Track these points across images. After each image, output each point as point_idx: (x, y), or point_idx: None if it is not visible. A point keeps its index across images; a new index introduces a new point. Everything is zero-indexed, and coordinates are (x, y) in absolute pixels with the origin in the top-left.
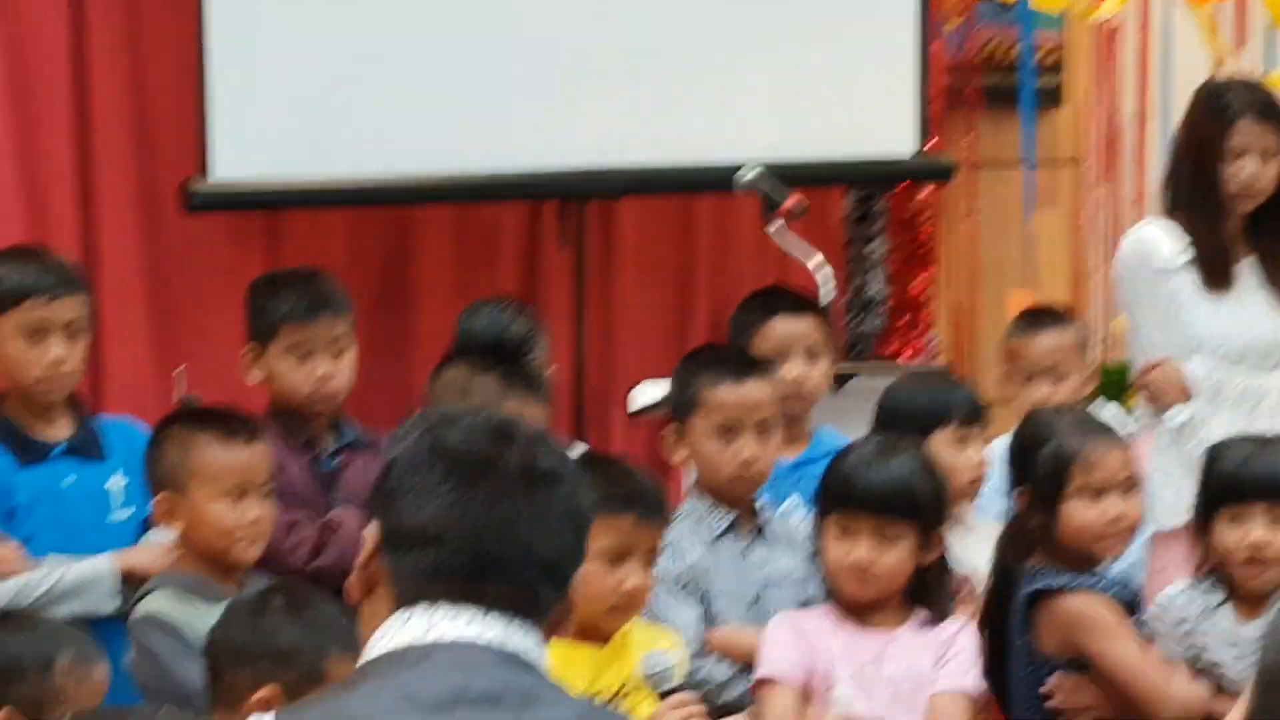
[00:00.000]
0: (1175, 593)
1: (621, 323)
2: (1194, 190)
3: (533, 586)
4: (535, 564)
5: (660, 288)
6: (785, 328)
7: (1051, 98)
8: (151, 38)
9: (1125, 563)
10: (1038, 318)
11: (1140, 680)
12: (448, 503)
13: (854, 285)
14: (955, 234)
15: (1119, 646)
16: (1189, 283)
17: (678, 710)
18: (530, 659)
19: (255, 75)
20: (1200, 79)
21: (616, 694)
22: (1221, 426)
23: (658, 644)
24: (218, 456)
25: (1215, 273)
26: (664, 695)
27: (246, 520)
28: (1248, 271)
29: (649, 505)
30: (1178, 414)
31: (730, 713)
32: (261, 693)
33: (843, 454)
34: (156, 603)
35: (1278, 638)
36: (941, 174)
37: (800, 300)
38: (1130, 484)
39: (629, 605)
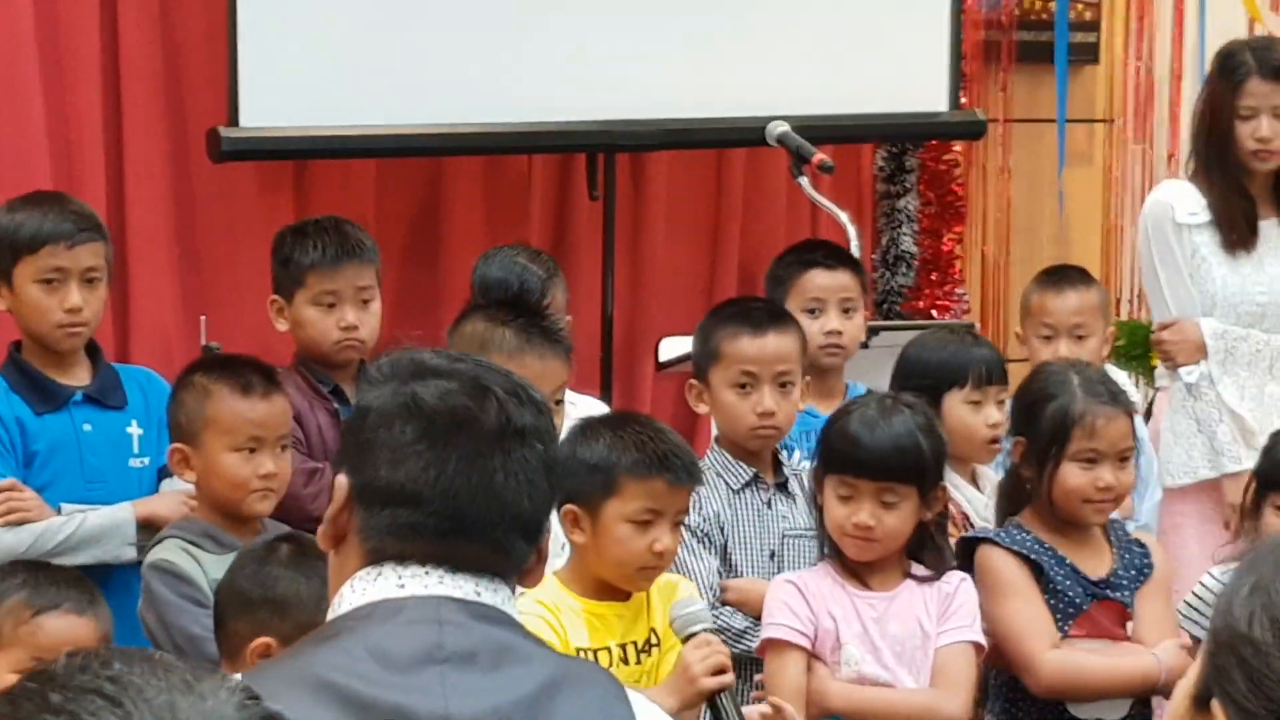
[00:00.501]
0: (1218, 575)
1: (651, 276)
2: (1211, 151)
3: (507, 543)
4: (510, 521)
5: (690, 241)
6: (822, 280)
7: (1087, 54)
8: None
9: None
10: (1062, 276)
11: (1009, 646)
12: (423, 463)
13: (885, 241)
14: (988, 191)
15: (1006, 606)
16: (1208, 241)
17: (701, 649)
18: (505, 611)
19: (285, 23)
20: (1233, 37)
21: (644, 645)
22: (1234, 386)
23: (677, 593)
24: (233, 409)
25: (1234, 233)
26: (688, 639)
27: (259, 474)
28: (1271, 232)
29: (680, 468)
30: (1189, 372)
31: (745, 662)
32: (256, 643)
33: (841, 415)
34: (167, 550)
35: (1226, 601)
36: (974, 130)
37: (838, 253)
38: (1126, 455)
39: (658, 566)
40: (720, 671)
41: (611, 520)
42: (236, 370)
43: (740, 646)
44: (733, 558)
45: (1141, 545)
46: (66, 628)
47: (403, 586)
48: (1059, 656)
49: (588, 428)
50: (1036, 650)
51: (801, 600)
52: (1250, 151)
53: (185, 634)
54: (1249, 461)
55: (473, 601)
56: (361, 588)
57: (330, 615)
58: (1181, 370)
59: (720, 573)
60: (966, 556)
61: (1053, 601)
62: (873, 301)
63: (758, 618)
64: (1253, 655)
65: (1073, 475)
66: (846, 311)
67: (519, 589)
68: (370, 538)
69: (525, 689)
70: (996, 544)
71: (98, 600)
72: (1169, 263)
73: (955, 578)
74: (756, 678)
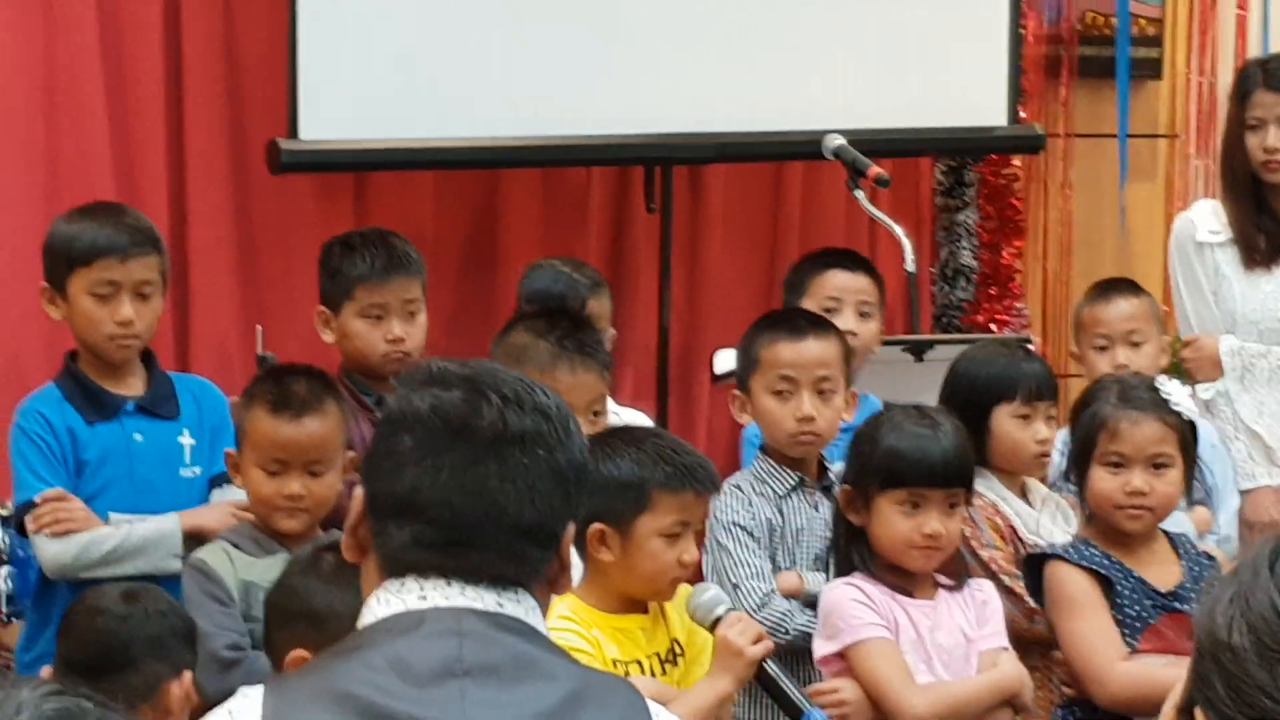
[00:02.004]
0: None
1: (707, 288)
2: (1226, 167)
3: (517, 551)
4: (515, 529)
5: (747, 253)
6: (840, 280)
7: (1151, 69)
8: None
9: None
10: (1111, 286)
11: (1077, 661)
12: (419, 471)
13: (944, 255)
14: (1049, 205)
15: (1074, 623)
16: (1230, 260)
17: (736, 625)
18: (528, 623)
19: (345, 36)
20: None
21: (668, 655)
22: (1252, 403)
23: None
24: (260, 427)
25: (1254, 251)
26: (713, 626)
27: (283, 494)
28: None
29: (707, 479)
30: (1206, 389)
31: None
32: (291, 656)
33: (881, 430)
34: (205, 550)
35: (1209, 610)
36: (1033, 145)
37: (857, 258)
38: (1160, 461)
39: (685, 577)
40: (758, 641)
41: (645, 535)
42: (281, 385)
43: (790, 631)
44: (781, 562)
45: (1211, 558)
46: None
47: (424, 598)
48: (1129, 668)
49: (604, 443)
50: (1106, 663)
51: (871, 604)
52: (1260, 162)
53: (202, 630)
54: (1265, 479)
55: (495, 613)
56: (386, 599)
57: (359, 625)
58: (1198, 387)
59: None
60: (1032, 572)
61: (1120, 616)
62: (931, 315)
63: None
64: (1231, 662)
65: (1101, 479)
66: (863, 315)
67: (552, 597)
68: (383, 549)
69: (546, 703)
70: (1065, 560)
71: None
72: (1191, 281)
73: (986, 586)
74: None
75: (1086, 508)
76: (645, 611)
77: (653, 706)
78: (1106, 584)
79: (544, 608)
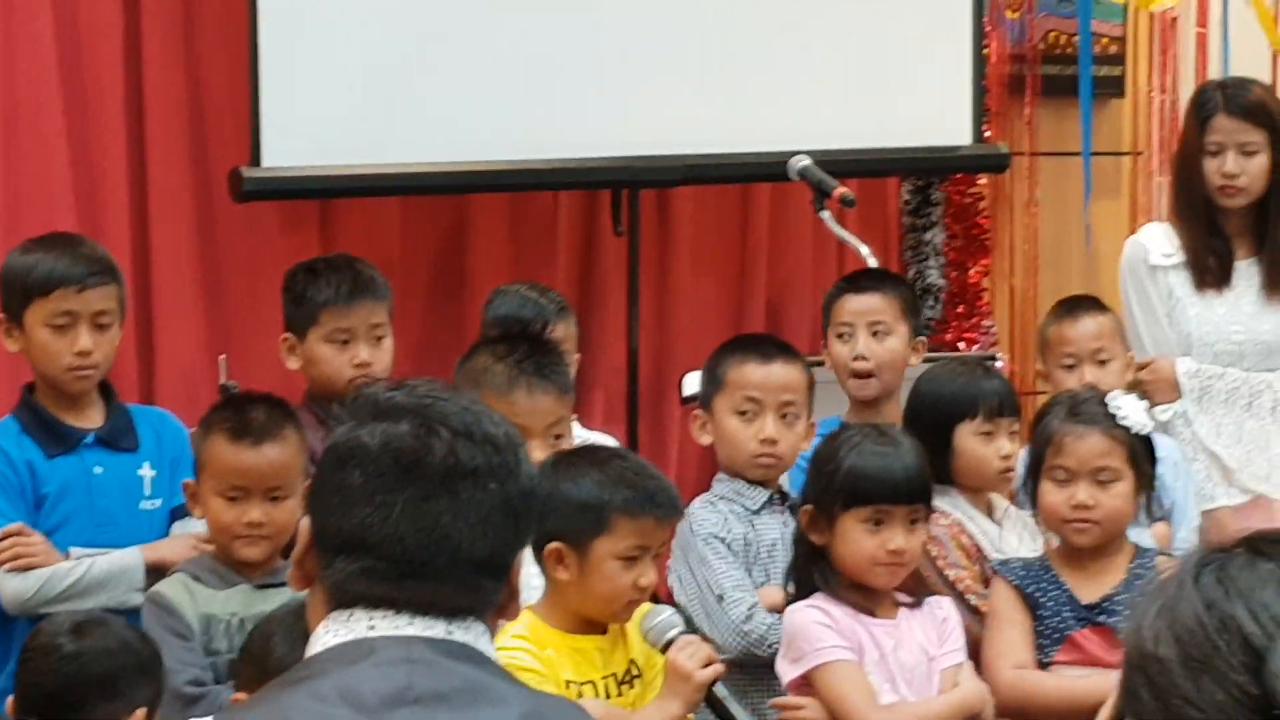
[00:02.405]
0: None
1: (676, 311)
2: (1182, 189)
3: (470, 583)
4: (467, 563)
5: (716, 276)
6: (851, 305)
7: (1113, 87)
8: (204, 26)
9: None
10: (1077, 304)
11: (984, 667)
12: (370, 509)
13: (911, 274)
14: (1015, 224)
15: (988, 634)
16: (1183, 282)
17: (686, 649)
18: (478, 650)
19: (307, 63)
20: (1259, 70)
21: (625, 676)
22: (1210, 424)
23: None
24: (219, 455)
25: (1206, 273)
26: (666, 646)
27: (243, 521)
28: (1251, 270)
29: (668, 505)
30: (1164, 411)
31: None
32: (233, 697)
33: (839, 450)
34: (165, 583)
35: (1136, 623)
36: (997, 164)
37: (873, 275)
38: (1106, 475)
39: (641, 600)
40: (708, 664)
41: (601, 558)
42: (240, 412)
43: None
44: (755, 578)
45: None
46: None
47: (373, 628)
48: (1014, 675)
49: (567, 464)
50: (996, 670)
51: (834, 626)
52: (1216, 187)
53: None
54: (1224, 499)
55: (444, 640)
56: (334, 629)
57: (307, 652)
58: (1157, 409)
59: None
60: None
61: (1041, 628)
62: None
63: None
64: (1159, 673)
65: (1048, 493)
66: (875, 335)
67: (501, 622)
68: (331, 581)
69: None
70: (997, 573)
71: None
72: (1145, 304)
73: (945, 603)
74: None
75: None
76: (604, 632)
77: None
78: (1032, 596)
79: (493, 633)
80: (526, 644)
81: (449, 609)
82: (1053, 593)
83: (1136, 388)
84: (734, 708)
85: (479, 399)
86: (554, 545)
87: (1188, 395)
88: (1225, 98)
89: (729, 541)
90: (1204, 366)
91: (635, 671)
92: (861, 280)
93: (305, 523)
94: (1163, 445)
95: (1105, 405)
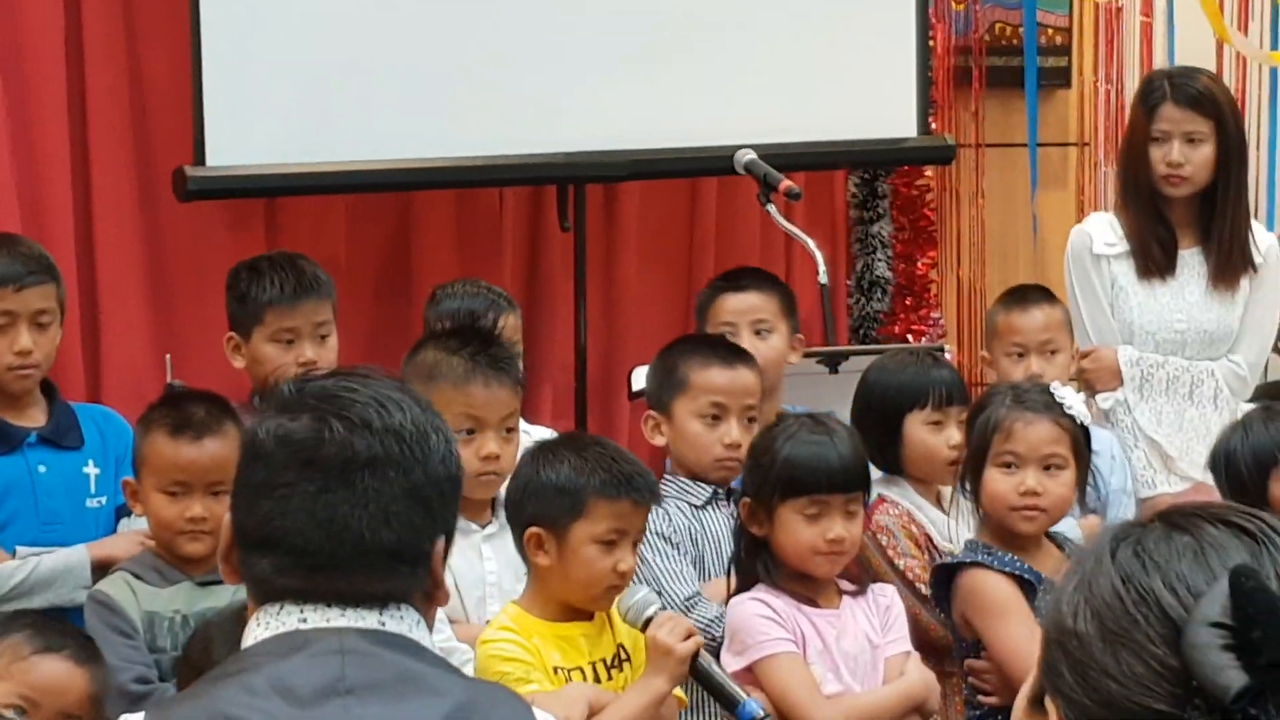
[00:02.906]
0: None
1: (624, 305)
2: (1128, 177)
3: (383, 571)
4: (375, 553)
5: (663, 270)
6: (731, 304)
7: (1059, 78)
8: (146, 25)
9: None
10: (1027, 294)
11: (1012, 664)
12: (271, 504)
13: (859, 267)
14: (961, 215)
15: (1005, 628)
16: (1126, 271)
17: (665, 625)
18: (411, 638)
19: (251, 61)
20: (1204, 60)
21: (614, 660)
22: (1151, 413)
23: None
24: (161, 450)
25: (1150, 261)
26: (645, 624)
27: (185, 516)
28: (1192, 261)
29: (645, 489)
30: (1105, 399)
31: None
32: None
33: (777, 440)
34: (107, 582)
35: (1056, 599)
36: (943, 155)
37: (750, 274)
38: (1053, 462)
39: (621, 586)
40: (689, 637)
41: (579, 542)
42: (180, 409)
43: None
44: (706, 569)
45: None
46: (61, 673)
47: (305, 620)
48: None
49: (547, 450)
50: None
51: (777, 618)
52: (1161, 175)
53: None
54: (1164, 486)
55: (377, 630)
56: (265, 621)
57: (241, 646)
58: (1098, 397)
59: (694, 576)
60: (941, 581)
61: (1039, 620)
62: (848, 327)
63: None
64: (1077, 648)
65: (995, 480)
66: (759, 334)
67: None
68: (250, 577)
69: (431, 718)
70: (985, 566)
71: (98, 659)
72: (1088, 293)
73: (889, 591)
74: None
75: (980, 513)
76: (590, 618)
77: (540, 715)
78: (1028, 589)
79: (427, 621)
80: (512, 634)
81: (378, 598)
82: (1041, 585)
83: (1079, 376)
84: (720, 676)
85: (430, 392)
86: (533, 530)
87: (1129, 383)
88: (1172, 87)
89: (669, 536)
90: (1145, 355)
91: (624, 655)
92: (740, 279)
93: (227, 518)
94: (1099, 438)
95: (1050, 394)
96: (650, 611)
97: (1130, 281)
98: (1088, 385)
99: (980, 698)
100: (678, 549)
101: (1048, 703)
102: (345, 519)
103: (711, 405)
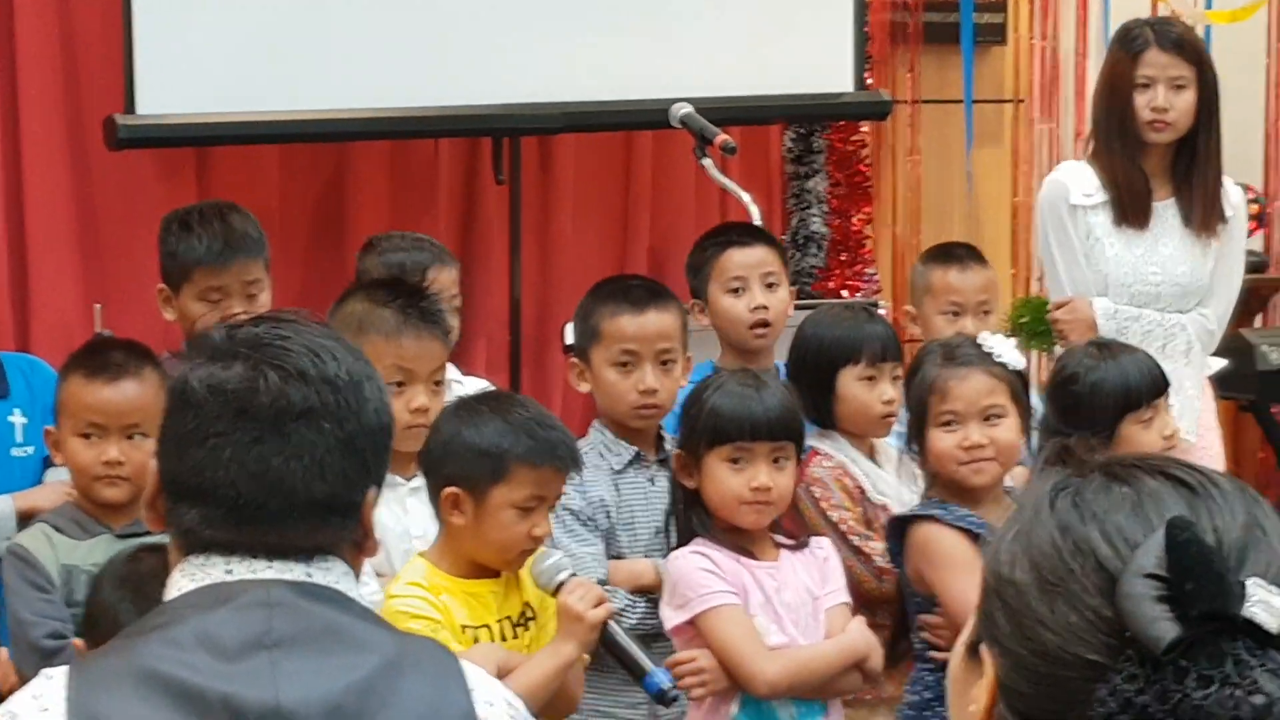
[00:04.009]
0: None
1: (559, 259)
2: (1110, 125)
3: (314, 523)
4: (306, 505)
5: (598, 223)
6: (739, 258)
7: (994, 35)
8: None
9: None
10: (960, 254)
11: (966, 617)
12: (202, 454)
13: (794, 222)
14: (897, 171)
15: (955, 581)
16: (1103, 222)
17: (576, 591)
18: (340, 590)
19: (183, 8)
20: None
21: (520, 619)
22: None
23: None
24: (76, 393)
25: (1129, 208)
26: (557, 590)
27: (102, 460)
28: (1167, 213)
29: (568, 457)
30: None
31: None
32: (74, 641)
33: (707, 391)
34: (24, 535)
35: (994, 548)
36: (879, 111)
37: (752, 230)
38: (994, 412)
39: (534, 549)
40: (599, 604)
41: (497, 506)
42: (95, 354)
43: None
44: (620, 539)
45: None
46: None
47: (230, 572)
48: None
49: (470, 409)
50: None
51: (718, 571)
52: (1146, 122)
53: (15, 618)
54: None
55: (304, 583)
56: (190, 573)
57: (165, 596)
58: None
59: (604, 556)
60: (895, 534)
61: None
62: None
63: (639, 593)
64: (1014, 597)
65: (938, 440)
66: (769, 287)
67: (365, 562)
68: (177, 527)
69: (359, 673)
70: (938, 520)
71: None
72: (1064, 244)
73: (825, 543)
74: (678, 655)
75: (928, 475)
76: (498, 576)
77: (468, 669)
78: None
79: (355, 572)
80: (421, 590)
81: (305, 550)
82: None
83: (1054, 326)
84: (628, 645)
85: (360, 344)
86: (451, 490)
87: (1104, 335)
88: (1156, 33)
89: (580, 511)
90: (1121, 308)
91: (530, 614)
92: (743, 235)
93: (153, 464)
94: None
95: (979, 346)
96: (562, 577)
97: (1106, 232)
98: (1062, 337)
99: (932, 653)
100: (590, 526)
101: (983, 651)
102: (279, 471)
103: (623, 353)
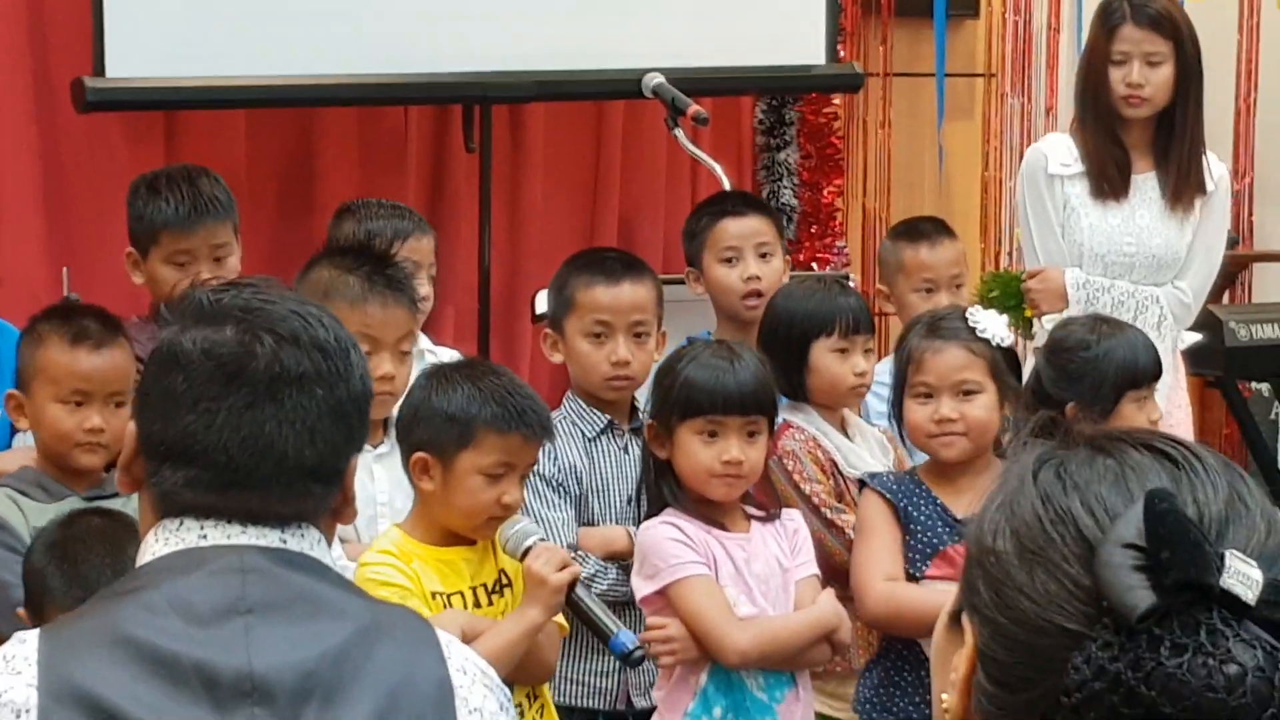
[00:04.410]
0: None
1: (528, 228)
2: (1087, 98)
3: (299, 490)
4: (295, 471)
5: (568, 193)
6: (734, 228)
7: (967, 8)
8: None
9: None
10: (929, 229)
11: (853, 579)
12: (193, 417)
13: (765, 194)
14: (868, 144)
15: (858, 545)
16: (1079, 193)
17: (541, 555)
18: (314, 557)
19: None
20: None
21: (495, 586)
22: None
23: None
24: (58, 360)
25: (1105, 182)
26: (524, 555)
27: (84, 427)
28: (1147, 185)
29: (537, 424)
30: (1051, 321)
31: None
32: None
33: (680, 362)
34: None
35: (978, 520)
36: (851, 83)
37: (747, 200)
38: (968, 388)
39: (504, 517)
40: (564, 568)
41: (465, 471)
42: (72, 319)
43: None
44: (592, 506)
45: None
46: None
47: (205, 537)
48: (886, 588)
49: (442, 375)
50: (868, 581)
51: (689, 542)
52: (1121, 97)
53: None
54: None
55: (279, 549)
56: (164, 537)
57: (138, 560)
58: (1044, 318)
59: (575, 523)
60: None
61: (913, 542)
62: None
63: (612, 559)
64: (995, 565)
65: (912, 411)
66: (763, 257)
67: (338, 529)
68: (158, 490)
69: (333, 641)
70: (868, 485)
71: None
72: (1040, 213)
73: (795, 515)
74: (650, 622)
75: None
76: (473, 543)
77: (443, 637)
78: (904, 509)
79: (329, 538)
80: (392, 559)
81: (284, 516)
82: (925, 507)
83: (1026, 296)
84: (594, 608)
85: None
86: (420, 455)
87: (1074, 306)
88: (1132, 8)
89: (552, 478)
90: (1092, 278)
91: (505, 580)
92: (738, 204)
93: (131, 426)
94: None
95: (965, 320)
96: (529, 542)
97: (1083, 203)
98: (1034, 306)
99: (873, 641)
100: (560, 492)
101: (964, 620)
102: (271, 436)
103: (596, 323)
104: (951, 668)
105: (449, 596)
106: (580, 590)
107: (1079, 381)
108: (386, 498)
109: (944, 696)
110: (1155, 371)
